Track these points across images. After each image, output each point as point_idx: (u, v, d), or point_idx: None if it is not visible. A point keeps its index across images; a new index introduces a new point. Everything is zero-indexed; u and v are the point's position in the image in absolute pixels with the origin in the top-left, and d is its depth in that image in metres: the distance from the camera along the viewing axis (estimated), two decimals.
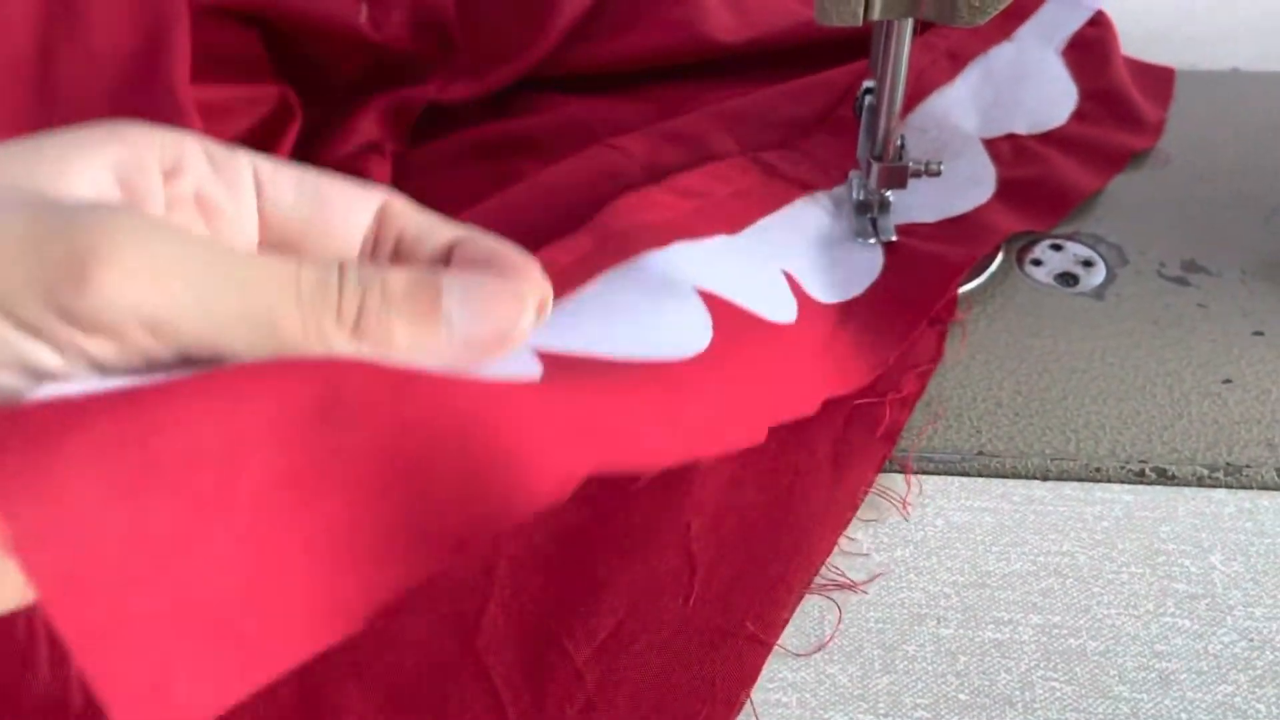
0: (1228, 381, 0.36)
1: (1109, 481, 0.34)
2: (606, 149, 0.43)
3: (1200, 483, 0.33)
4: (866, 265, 0.40)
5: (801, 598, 0.30)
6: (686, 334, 0.30)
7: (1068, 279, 0.41)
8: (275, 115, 0.42)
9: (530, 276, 0.24)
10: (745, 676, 0.28)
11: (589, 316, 0.30)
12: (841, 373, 0.35)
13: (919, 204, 0.43)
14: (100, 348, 0.20)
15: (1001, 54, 0.51)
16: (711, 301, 0.32)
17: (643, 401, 0.26)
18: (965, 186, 0.44)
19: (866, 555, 0.32)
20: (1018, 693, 0.28)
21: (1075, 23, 0.52)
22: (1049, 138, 0.47)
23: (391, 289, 0.22)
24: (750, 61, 0.50)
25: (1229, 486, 0.33)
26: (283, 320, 0.21)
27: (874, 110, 0.40)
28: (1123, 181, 0.45)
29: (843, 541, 0.32)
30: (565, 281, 0.32)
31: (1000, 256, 0.41)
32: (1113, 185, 0.45)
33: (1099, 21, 0.52)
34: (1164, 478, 0.33)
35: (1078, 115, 0.48)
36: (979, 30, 0.51)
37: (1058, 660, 0.29)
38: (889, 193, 0.41)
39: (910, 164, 0.40)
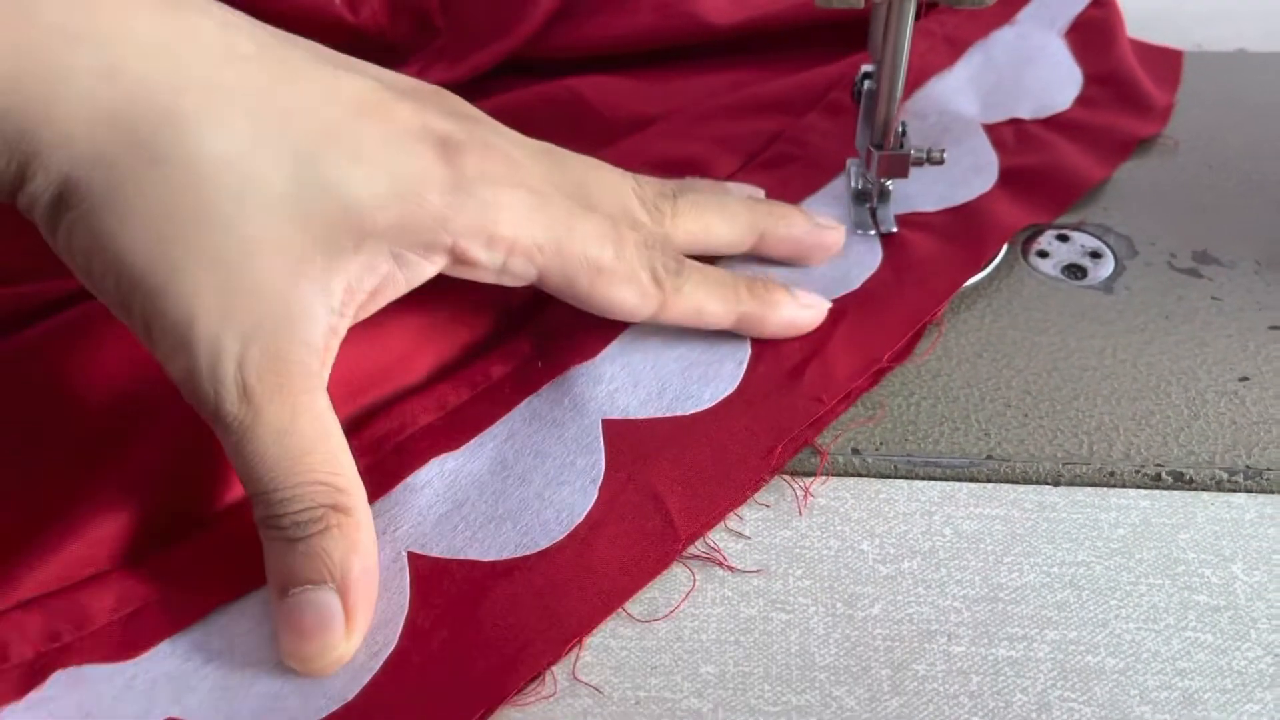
0: (1245, 379, 0.35)
1: (1124, 487, 0.32)
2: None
3: (1219, 487, 0.32)
4: (864, 258, 0.38)
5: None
6: (566, 510, 0.31)
7: (1075, 271, 0.39)
8: None
9: None
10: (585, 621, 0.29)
11: (478, 487, 0.31)
12: (826, 376, 0.34)
13: (919, 192, 0.41)
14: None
15: (1002, 38, 0.49)
16: (611, 435, 0.32)
17: (513, 610, 0.28)
18: (967, 175, 0.42)
19: (749, 539, 0.31)
20: (1034, 714, 0.27)
21: (1078, 5, 0.50)
22: (1053, 123, 0.45)
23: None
24: (743, 42, 0.48)
25: (1249, 491, 0.32)
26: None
27: (873, 96, 0.38)
28: (1129, 169, 0.44)
29: (731, 520, 0.31)
30: (491, 405, 0.33)
31: (1005, 249, 0.40)
32: (1118, 173, 0.43)
33: (1103, 3, 0.50)
34: (1181, 482, 0.32)
35: (1082, 100, 0.46)
36: (978, 15, 0.49)
37: (1075, 679, 0.28)
38: (889, 182, 0.40)
39: (912, 152, 0.38)
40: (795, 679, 0.28)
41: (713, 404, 0.33)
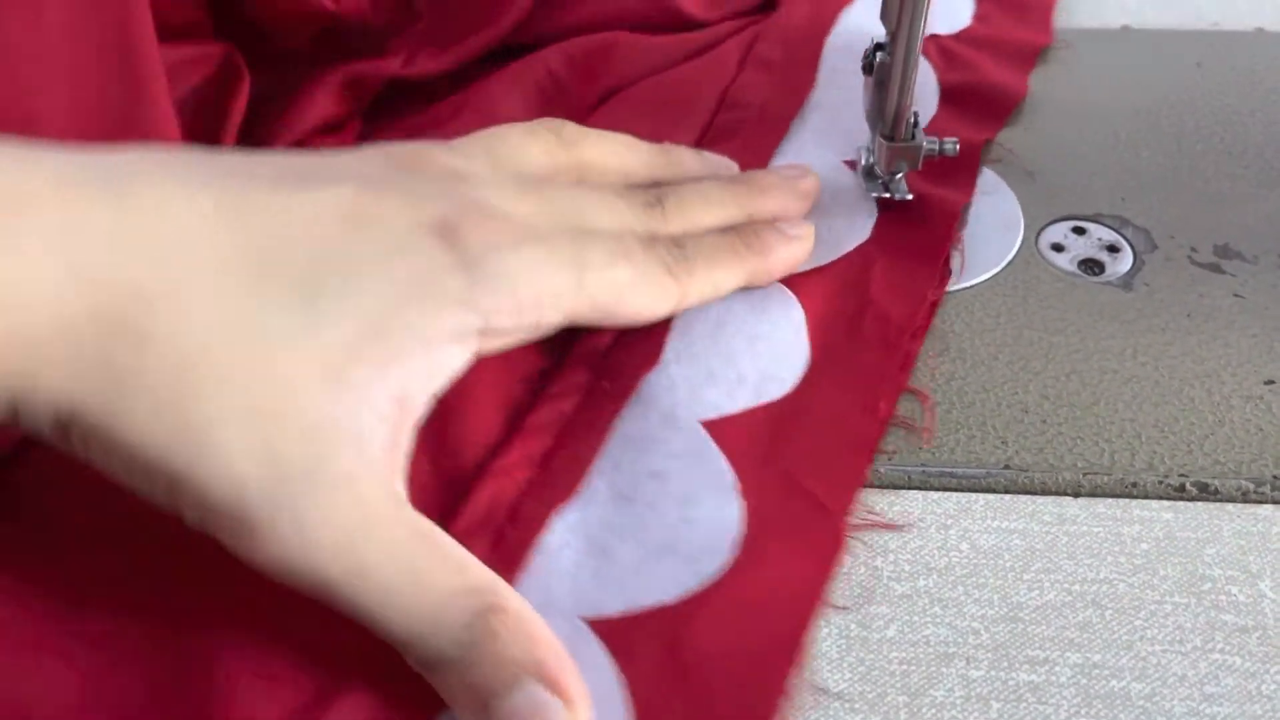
0: (1270, 383, 0.33)
1: (1147, 498, 0.31)
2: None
3: (1245, 498, 0.31)
4: (860, 206, 0.38)
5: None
6: (718, 525, 0.29)
7: (1092, 266, 0.38)
8: (221, 74, 0.38)
9: None
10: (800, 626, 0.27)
11: (614, 530, 0.29)
12: (885, 323, 0.34)
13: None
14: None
15: None
16: (718, 436, 0.31)
17: (729, 641, 0.26)
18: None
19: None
20: None
21: None
22: (963, 38, 0.46)
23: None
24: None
25: (1276, 502, 0.31)
26: None
27: (886, 69, 0.36)
28: (1145, 157, 0.42)
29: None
30: (580, 443, 0.31)
31: (1019, 242, 0.38)
32: (1135, 160, 0.42)
33: None
34: (1206, 493, 0.31)
35: (979, 17, 0.48)
36: None
37: (1100, 706, 0.26)
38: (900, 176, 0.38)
39: (924, 144, 0.36)
40: (807, 707, 0.26)
41: (796, 381, 0.32)
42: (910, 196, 0.38)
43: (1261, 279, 0.37)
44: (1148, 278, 0.37)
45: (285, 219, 0.26)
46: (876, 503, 0.31)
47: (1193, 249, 0.38)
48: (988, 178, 0.40)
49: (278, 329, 0.24)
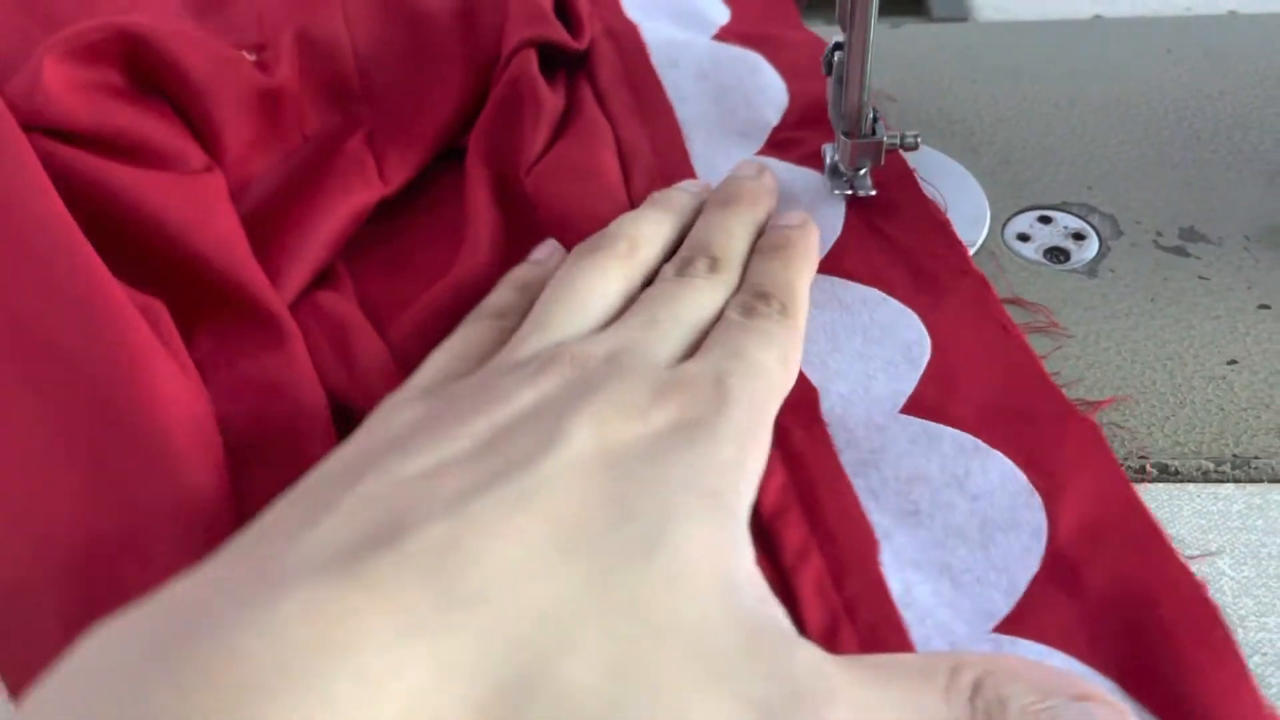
0: (1233, 363, 0.34)
1: None
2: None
3: (1206, 477, 0.31)
4: (833, 198, 0.39)
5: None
6: (1011, 490, 0.29)
7: (1057, 255, 0.38)
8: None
9: None
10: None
11: (943, 552, 0.28)
12: (937, 256, 0.35)
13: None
14: None
15: None
16: (924, 411, 0.31)
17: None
18: None
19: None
20: None
21: None
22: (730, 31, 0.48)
23: None
24: None
25: (1236, 480, 0.31)
26: None
27: (844, 68, 0.37)
28: (1113, 144, 0.42)
29: None
30: (838, 501, 0.30)
31: (984, 234, 0.38)
32: (1103, 149, 0.42)
33: None
34: (1166, 474, 0.31)
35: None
36: None
37: None
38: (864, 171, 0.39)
39: (885, 138, 0.37)
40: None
41: (927, 335, 0.33)
42: (874, 192, 0.38)
43: (1226, 260, 0.37)
44: (1113, 264, 0.37)
45: (559, 496, 0.24)
46: None
47: (1158, 233, 0.38)
48: (955, 170, 0.41)
49: (643, 581, 0.23)
